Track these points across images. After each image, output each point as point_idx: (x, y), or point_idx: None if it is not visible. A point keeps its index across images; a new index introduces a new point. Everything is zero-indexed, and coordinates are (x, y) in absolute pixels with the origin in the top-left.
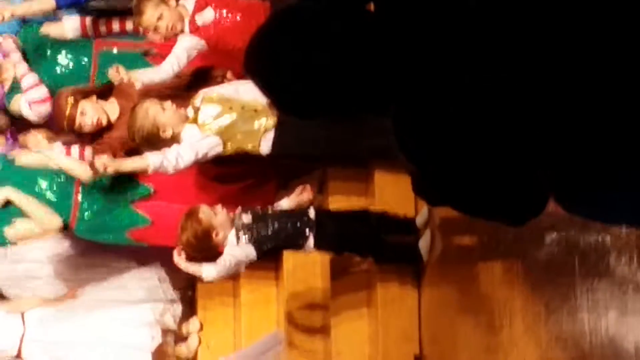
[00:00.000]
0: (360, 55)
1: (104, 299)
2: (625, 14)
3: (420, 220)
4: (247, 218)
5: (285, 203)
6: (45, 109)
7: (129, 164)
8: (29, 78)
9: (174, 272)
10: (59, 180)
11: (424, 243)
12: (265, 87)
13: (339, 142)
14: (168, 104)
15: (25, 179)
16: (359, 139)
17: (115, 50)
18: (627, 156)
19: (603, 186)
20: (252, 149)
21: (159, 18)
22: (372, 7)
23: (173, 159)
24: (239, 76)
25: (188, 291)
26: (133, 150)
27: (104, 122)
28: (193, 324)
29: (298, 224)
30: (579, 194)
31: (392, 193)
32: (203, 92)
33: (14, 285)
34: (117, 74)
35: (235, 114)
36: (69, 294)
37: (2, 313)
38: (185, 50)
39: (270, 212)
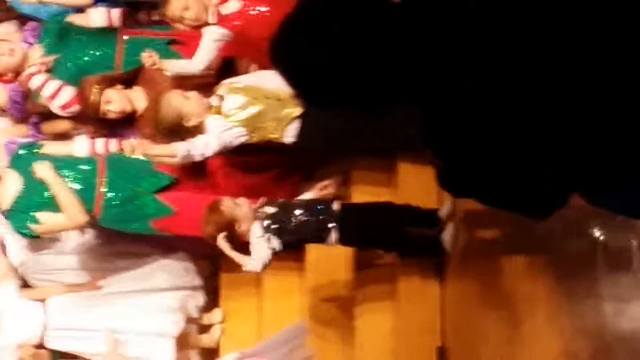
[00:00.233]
0: (381, 49)
1: (128, 288)
2: (627, 15)
3: (443, 212)
4: (271, 210)
5: (308, 197)
6: (75, 108)
7: (157, 149)
8: (49, 87)
9: (197, 262)
10: (84, 170)
11: (447, 235)
12: (289, 77)
13: (362, 132)
14: (192, 93)
15: None
16: (382, 130)
17: (140, 39)
18: None
19: (627, 179)
20: (276, 138)
21: (185, 8)
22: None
23: (200, 147)
24: (263, 67)
25: (211, 281)
26: None
27: (129, 110)
28: (216, 314)
29: (322, 217)
30: (602, 187)
31: (415, 185)
32: (227, 82)
33: (38, 276)
34: (150, 57)
35: (260, 104)
36: (92, 282)
37: (25, 301)
38: (213, 43)
39: (294, 204)
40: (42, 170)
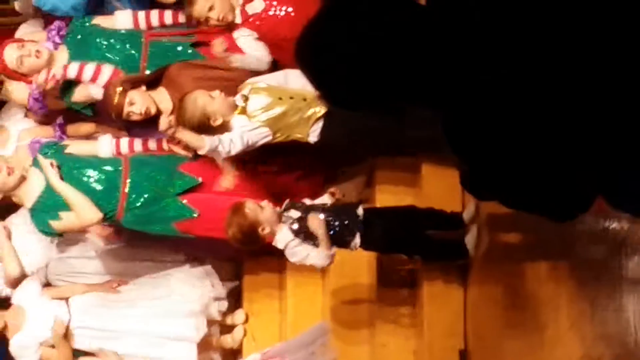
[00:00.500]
0: (404, 51)
1: (150, 291)
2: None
3: (467, 215)
4: (296, 214)
5: (321, 201)
6: None
7: (189, 135)
8: (87, 71)
9: (220, 264)
10: (108, 171)
11: (470, 238)
12: (314, 78)
13: (385, 133)
14: (216, 92)
15: (74, 168)
16: (406, 131)
17: (165, 40)
18: None
19: None
20: (301, 137)
21: (211, 8)
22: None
23: (227, 145)
24: (287, 67)
25: (234, 283)
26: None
27: (153, 111)
28: (238, 315)
29: (346, 222)
30: (626, 191)
31: (439, 187)
32: (251, 82)
33: (61, 278)
34: (221, 45)
35: (285, 105)
36: (114, 283)
37: (48, 300)
38: (254, 41)
39: (318, 208)
40: (44, 167)
